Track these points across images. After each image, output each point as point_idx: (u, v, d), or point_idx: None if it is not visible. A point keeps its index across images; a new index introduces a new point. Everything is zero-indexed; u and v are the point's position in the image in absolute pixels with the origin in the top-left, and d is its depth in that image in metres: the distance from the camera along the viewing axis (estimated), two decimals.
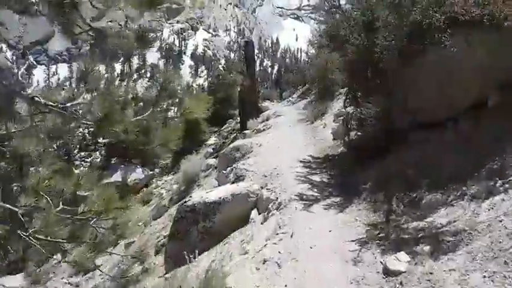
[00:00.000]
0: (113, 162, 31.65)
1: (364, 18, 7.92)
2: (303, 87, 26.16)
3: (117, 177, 29.01)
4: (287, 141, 11.41)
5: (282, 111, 20.35)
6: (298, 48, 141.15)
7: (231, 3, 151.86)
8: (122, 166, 29.89)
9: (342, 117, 11.61)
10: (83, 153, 52.61)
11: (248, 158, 9.83)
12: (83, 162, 51.91)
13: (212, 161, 14.98)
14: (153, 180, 28.91)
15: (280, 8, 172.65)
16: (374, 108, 7.81)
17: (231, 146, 11.27)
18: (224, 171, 9.49)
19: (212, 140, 27.35)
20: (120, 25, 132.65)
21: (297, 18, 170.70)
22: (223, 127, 29.17)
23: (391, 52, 7.03)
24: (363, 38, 7.77)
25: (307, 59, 25.11)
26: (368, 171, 7.28)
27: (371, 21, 7.77)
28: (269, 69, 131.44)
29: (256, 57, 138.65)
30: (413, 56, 6.77)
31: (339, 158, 9.13)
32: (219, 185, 9.36)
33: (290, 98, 27.08)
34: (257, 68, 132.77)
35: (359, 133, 9.21)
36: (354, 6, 8.50)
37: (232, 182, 8.37)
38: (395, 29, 6.88)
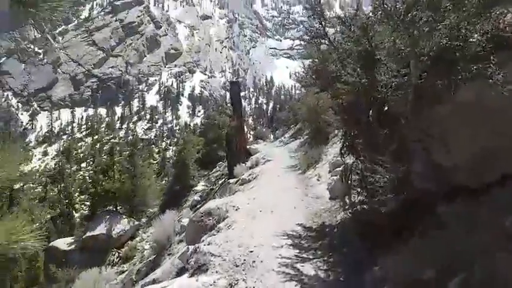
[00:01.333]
0: (99, 211, 28.81)
1: (359, 48, 5.65)
2: (295, 126, 23.99)
3: (101, 229, 26.18)
4: (273, 200, 8.88)
5: (273, 154, 17.97)
6: (292, 85, 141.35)
7: (225, 47, 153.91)
8: (107, 217, 27.07)
9: (339, 169, 9.15)
10: (82, 197, 49.74)
11: (219, 230, 7.26)
12: (83, 205, 48.92)
13: (187, 221, 12.35)
14: (139, 231, 26.07)
15: (273, 48, 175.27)
16: (382, 166, 5.39)
17: (203, 209, 8.71)
18: (188, 250, 6.92)
19: (200, 186, 24.80)
20: (121, 70, 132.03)
21: (290, 57, 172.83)
22: (213, 171, 26.71)
23: (403, 92, 4.70)
24: (359, 73, 5.46)
25: (297, 97, 22.97)
26: (383, 265, 4.73)
27: (369, 51, 5.49)
28: (264, 106, 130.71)
29: (251, 95, 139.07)
30: (437, 95, 4.43)
31: (338, 231, 6.60)
32: (178, 273, 6.78)
33: (282, 138, 24.83)
34: (252, 106, 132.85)
35: (363, 195, 6.73)
36: (345, 35, 6.23)
37: (192, 274, 5.79)
38: (407, 59, 4.56)
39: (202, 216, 8.30)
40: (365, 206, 6.49)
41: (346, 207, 7.55)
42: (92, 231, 26.40)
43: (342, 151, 8.61)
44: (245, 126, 53.66)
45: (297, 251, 6.12)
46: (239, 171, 16.52)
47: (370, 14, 5.43)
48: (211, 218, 8.18)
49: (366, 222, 5.84)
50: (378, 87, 5.30)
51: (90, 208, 29.10)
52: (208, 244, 6.49)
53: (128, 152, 28.94)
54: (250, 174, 13.17)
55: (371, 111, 6.19)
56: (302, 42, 9.57)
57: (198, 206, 21.05)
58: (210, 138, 30.32)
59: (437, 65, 4.09)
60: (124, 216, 27.25)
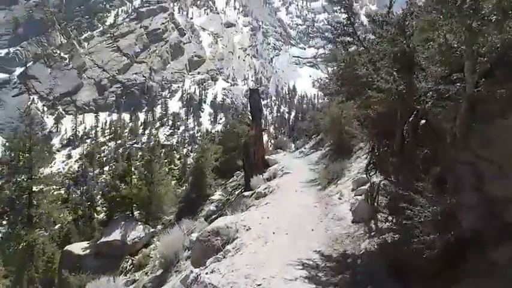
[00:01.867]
0: (115, 217, 28.51)
1: (395, 49, 4.76)
2: (317, 136, 23.02)
3: (116, 235, 25.88)
4: (288, 219, 8.00)
5: (292, 166, 17.07)
6: (314, 94, 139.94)
7: (249, 54, 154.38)
8: (123, 223, 26.75)
9: (364, 188, 8.20)
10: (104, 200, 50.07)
11: (226, 255, 6.45)
12: (104, 208, 49.26)
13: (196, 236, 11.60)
14: (154, 239, 25.58)
15: (297, 57, 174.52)
16: (421, 194, 4.45)
17: (211, 227, 7.94)
18: (190, 275, 6.14)
19: (217, 195, 24.11)
20: (145, 77, 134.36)
21: (313, 66, 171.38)
22: (230, 180, 26.00)
23: (451, 101, 3.78)
24: (395, 78, 4.56)
25: (320, 107, 22.04)
26: None
27: (407, 52, 4.61)
28: (286, 115, 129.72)
29: (273, 103, 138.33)
30: (499, 107, 3.51)
31: (363, 264, 5.66)
32: None
33: (303, 149, 23.88)
34: (274, 114, 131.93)
35: (392, 221, 5.79)
36: (377, 34, 5.36)
37: None
38: (459, 61, 3.66)
39: (209, 235, 7.51)
40: (396, 236, 5.54)
41: (372, 233, 6.60)
42: (107, 237, 26.11)
43: (368, 168, 7.69)
44: (265, 136, 52.89)
45: (314, 286, 5.23)
46: (255, 183, 15.71)
47: (409, 7, 4.53)
48: (218, 238, 7.39)
49: (394, 256, 4.90)
50: (418, 95, 4.41)
51: (107, 213, 28.91)
52: (211, 272, 5.68)
53: (146, 158, 28.65)
54: (266, 188, 12.33)
55: (406, 125, 5.28)
56: (326, 48, 8.67)
57: (213, 217, 20.35)
58: (229, 146, 29.68)
59: (502, 68, 3.17)
60: (139, 223, 26.90)
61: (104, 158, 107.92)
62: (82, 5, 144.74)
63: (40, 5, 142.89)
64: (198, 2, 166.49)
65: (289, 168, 16.69)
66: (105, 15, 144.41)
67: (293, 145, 35.53)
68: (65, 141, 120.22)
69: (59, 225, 41.95)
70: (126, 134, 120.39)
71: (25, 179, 23.50)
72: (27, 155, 23.40)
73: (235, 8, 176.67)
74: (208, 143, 30.13)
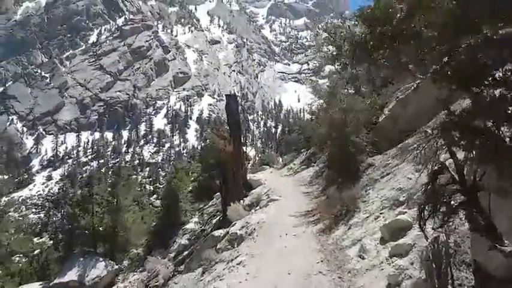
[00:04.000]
0: (75, 251, 23.92)
1: None
2: (307, 151, 19.29)
3: (72, 274, 21.46)
4: None
5: (279, 188, 13.26)
6: (300, 109, 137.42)
7: (234, 71, 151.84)
8: (81, 259, 22.29)
9: (406, 242, 4.40)
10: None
11: None
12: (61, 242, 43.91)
13: None
14: (119, 277, 21.20)
15: (282, 72, 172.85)
16: None
17: None
18: None
19: (192, 223, 20.01)
20: (128, 94, 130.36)
21: (298, 81, 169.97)
22: (210, 203, 21.94)
23: None
24: None
25: (311, 114, 18.33)
26: None
27: None
28: (273, 130, 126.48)
29: (259, 118, 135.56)
30: None
31: None
32: None
33: (292, 165, 20.07)
34: (261, 129, 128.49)
35: None
36: None
37: None
38: None
39: None
40: None
41: None
42: (61, 278, 21.70)
43: (424, 211, 3.90)
44: (251, 151, 48.93)
45: None
46: (233, 213, 11.86)
47: None
48: None
49: None
50: None
51: (64, 247, 24.36)
52: None
53: (109, 181, 24.44)
54: (243, 227, 8.50)
55: None
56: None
57: (184, 254, 16.29)
58: (209, 163, 25.69)
59: None
60: (101, 259, 22.51)
61: (86, 179, 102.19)
62: (64, 24, 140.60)
63: (21, 24, 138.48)
64: (183, 20, 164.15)
65: (276, 191, 12.88)
66: (88, 34, 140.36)
67: (280, 160, 31.76)
68: (45, 162, 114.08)
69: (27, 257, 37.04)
70: (109, 153, 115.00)
71: None
72: None
73: (219, 26, 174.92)
74: (183, 160, 26.12)
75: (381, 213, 5.95)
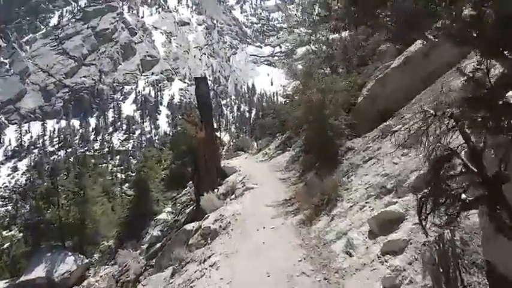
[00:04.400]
0: (42, 246, 22.58)
1: None
2: (282, 135, 18.73)
3: (40, 270, 20.32)
4: None
5: (255, 175, 12.65)
6: (274, 92, 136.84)
7: (205, 54, 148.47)
8: (49, 254, 21.09)
9: (399, 237, 3.87)
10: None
11: None
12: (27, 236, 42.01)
13: None
14: (90, 271, 20.22)
15: (254, 55, 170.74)
16: None
17: None
18: None
19: (165, 213, 19.20)
20: (94, 80, 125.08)
21: (270, 64, 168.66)
22: (183, 192, 21.11)
23: None
24: None
25: (286, 97, 17.67)
26: None
27: None
28: (247, 114, 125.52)
29: (233, 102, 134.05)
30: None
31: None
32: None
33: (267, 150, 19.48)
34: (235, 114, 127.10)
35: None
36: None
37: None
38: None
39: None
40: None
41: None
42: (27, 275, 20.55)
43: (426, 205, 3.32)
44: (226, 136, 47.99)
45: None
46: (207, 203, 11.19)
47: None
48: None
49: None
50: None
51: (29, 242, 22.96)
52: None
53: (75, 172, 23.06)
54: (217, 220, 7.85)
55: None
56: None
57: (156, 246, 15.56)
58: (181, 151, 24.70)
59: None
60: (69, 253, 21.42)
61: (50, 170, 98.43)
62: (22, 6, 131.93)
63: None
64: (149, 1, 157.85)
65: (252, 178, 12.28)
66: (49, 16, 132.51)
67: (255, 144, 31.15)
68: (10, 153, 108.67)
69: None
70: (77, 141, 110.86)
71: None
72: None
73: (188, 7, 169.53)
74: (153, 148, 24.99)
75: (366, 203, 5.44)
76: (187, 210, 16.38)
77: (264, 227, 6.46)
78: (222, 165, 15.43)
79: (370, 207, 5.19)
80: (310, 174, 9.90)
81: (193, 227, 8.72)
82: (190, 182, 16.86)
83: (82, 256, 21.30)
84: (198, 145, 14.20)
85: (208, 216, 8.52)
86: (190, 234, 8.11)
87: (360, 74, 9.83)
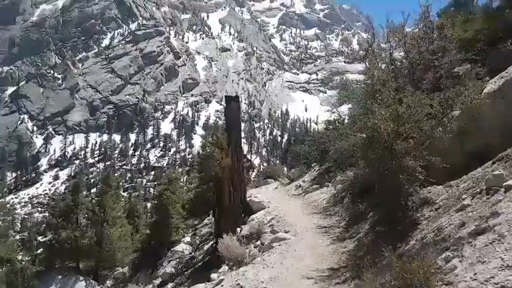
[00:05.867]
0: (57, 266, 20.72)
1: None
2: (320, 166, 16.02)
3: None
4: None
5: (287, 218, 10.04)
6: (307, 118, 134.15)
7: (242, 78, 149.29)
8: (59, 277, 19.19)
9: None
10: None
11: None
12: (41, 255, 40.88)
13: None
14: None
15: (290, 81, 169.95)
16: None
17: None
18: None
19: (184, 243, 16.80)
20: (138, 98, 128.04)
21: (306, 90, 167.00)
22: (205, 220, 18.67)
23: None
24: None
25: (327, 123, 15.03)
26: None
27: None
28: (279, 138, 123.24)
29: (266, 126, 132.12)
30: None
31: None
32: None
33: (301, 182, 16.79)
34: (267, 137, 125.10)
35: None
36: None
37: None
38: None
39: None
40: None
41: None
42: None
43: None
44: (256, 159, 45.37)
45: None
46: (226, 251, 8.73)
47: None
48: None
49: None
50: None
51: (44, 261, 21.23)
52: None
53: (98, 190, 21.41)
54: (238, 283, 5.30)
55: None
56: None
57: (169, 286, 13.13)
58: (207, 174, 22.46)
59: None
60: (81, 278, 19.39)
61: (92, 180, 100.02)
62: (79, 27, 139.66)
63: (37, 25, 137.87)
64: (194, 27, 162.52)
65: (283, 222, 9.68)
66: (101, 37, 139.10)
67: (285, 170, 28.56)
68: (53, 162, 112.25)
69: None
70: (116, 155, 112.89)
71: None
72: None
73: (230, 34, 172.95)
74: (177, 171, 22.97)
75: None
76: (206, 247, 13.90)
77: None
78: (248, 199, 12.94)
79: None
80: (363, 227, 7.19)
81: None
82: (210, 215, 14.44)
83: (94, 282, 19.23)
84: (223, 173, 11.83)
85: (222, 284, 6.00)
86: None
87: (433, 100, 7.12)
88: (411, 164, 5.55)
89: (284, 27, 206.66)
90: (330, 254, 6.35)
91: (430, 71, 8.82)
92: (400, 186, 6.08)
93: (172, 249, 16.55)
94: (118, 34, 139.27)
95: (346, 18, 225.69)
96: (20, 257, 27.86)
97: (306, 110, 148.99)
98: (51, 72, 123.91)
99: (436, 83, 8.52)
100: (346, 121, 12.19)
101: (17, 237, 61.36)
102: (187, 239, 17.49)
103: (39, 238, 59.99)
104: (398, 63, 8.96)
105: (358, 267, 5.30)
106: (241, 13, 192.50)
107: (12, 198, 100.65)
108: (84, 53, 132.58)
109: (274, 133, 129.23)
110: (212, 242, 13.16)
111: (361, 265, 5.29)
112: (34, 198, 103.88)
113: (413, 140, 5.30)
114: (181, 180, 22.71)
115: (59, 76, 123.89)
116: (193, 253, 14.13)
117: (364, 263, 5.06)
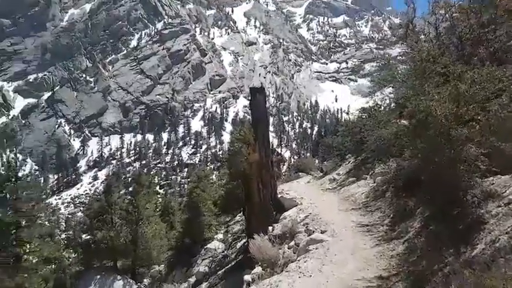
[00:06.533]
0: (95, 265, 21.06)
1: None
2: (356, 157, 15.03)
3: None
4: None
5: (322, 215, 9.29)
6: (338, 109, 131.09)
7: (269, 72, 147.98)
8: (98, 277, 19.43)
9: None
10: None
11: None
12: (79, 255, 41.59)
13: None
14: None
15: (318, 72, 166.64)
16: None
17: None
18: None
19: (217, 240, 16.46)
20: (167, 97, 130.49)
21: (336, 80, 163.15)
22: (237, 217, 18.22)
23: None
24: None
25: (362, 111, 14.01)
26: None
27: None
28: (308, 131, 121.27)
29: (295, 119, 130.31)
30: None
31: None
32: None
33: (335, 175, 15.89)
34: (296, 130, 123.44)
35: None
36: None
37: None
38: None
39: None
40: None
41: None
42: None
43: None
44: (286, 152, 44.42)
45: None
46: (257, 252, 8.16)
47: None
48: None
49: None
50: None
51: (82, 262, 21.64)
52: None
53: (131, 190, 21.48)
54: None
55: None
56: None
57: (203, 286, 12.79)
58: (236, 171, 21.95)
59: None
60: (119, 277, 19.54)
61: (129, 179, 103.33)
62: (107, 29, 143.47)
63: (67, 30, 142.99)
64: (219, 23, 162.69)
65: (318, 220, 8.94)
66: (129, 38, 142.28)
67: (317, 163, 27.50)
68: (91, 163, 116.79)
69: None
70: (150, 154, 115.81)
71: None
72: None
73: (255, 27, 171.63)
74: (207, 168, 22.65)
75: None
76: (239, 245, 13.44)
77: None
78: (279, 195, 12.27)
79: None
80: (413, 226, 6.34)
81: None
82: (241, 212, 13.89)
83: (132, 281, 19.32)
84: (250, 169, 11.21)
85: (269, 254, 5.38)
86: None
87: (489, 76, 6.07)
88: (473, 152, 4.64)
89: (311, 16, 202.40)
90: (376, 259, 5.57)
91: (483, 45, 7.73)
92: (459, 178, 5.18)
93: (205, 246, 16.26)
94: (145, 34, 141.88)
95: (375, 3, 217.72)
96: (67, 255, 28.77)
97: (336, 100, 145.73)
98: (83, 75, 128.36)
99: (491, 58, 7.43)
100: (383, 108, 11.18)
101: (63, 235, 64.28)
102: (220, 236, 17.15)
103: (84, 236, 62.48)
104: (444, 39, 7.92)
105: (413, 275, 4.51)
106: (267, 5, 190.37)
107: (55, 199, 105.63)
108: (113, 55, 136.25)
109: (303, 126, 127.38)
110: (244, 241, 12.67)
111: (416, 273, 4.51)
112: (76, 198, 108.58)
113: (478, 124, 4.38)
114: (212, 177, 22.43)
115: (91, 79, 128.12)
116: (226, 251, 13.70)
117: (421, 271, 4.27)
